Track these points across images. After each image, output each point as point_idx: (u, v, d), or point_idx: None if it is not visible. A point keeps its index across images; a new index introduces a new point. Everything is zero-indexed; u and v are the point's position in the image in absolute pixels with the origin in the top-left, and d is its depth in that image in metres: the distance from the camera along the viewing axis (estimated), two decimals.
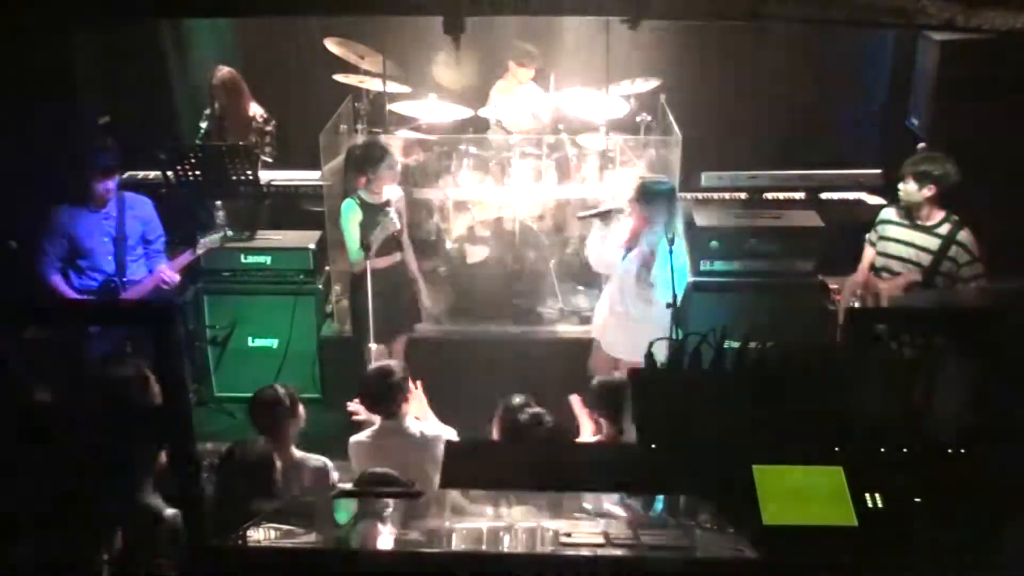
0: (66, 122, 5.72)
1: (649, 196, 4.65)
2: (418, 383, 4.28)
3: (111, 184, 4.93)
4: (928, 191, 4.50)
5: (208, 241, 5.30)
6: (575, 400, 4.36)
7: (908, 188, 4.56)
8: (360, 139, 6.24)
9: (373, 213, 5.11)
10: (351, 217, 5.11)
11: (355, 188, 5.19)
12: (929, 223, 4.58)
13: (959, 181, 4.52)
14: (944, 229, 4.54)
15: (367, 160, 5.12)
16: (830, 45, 7.03)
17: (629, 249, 4.76)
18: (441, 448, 3.88)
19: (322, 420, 4.96)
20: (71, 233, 4.91)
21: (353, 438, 4.20)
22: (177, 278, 5.11)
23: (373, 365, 4.29)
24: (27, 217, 5.04)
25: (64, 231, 4.90)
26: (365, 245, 5.00)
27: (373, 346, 5.33)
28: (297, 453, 3.97)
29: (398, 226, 5.15)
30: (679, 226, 4.70)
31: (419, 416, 4.28)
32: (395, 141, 6.11)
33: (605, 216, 4.92)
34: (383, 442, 4.09)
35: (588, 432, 4.31)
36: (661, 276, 4.58)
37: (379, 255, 5.12)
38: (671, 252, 4.54)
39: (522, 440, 3.77)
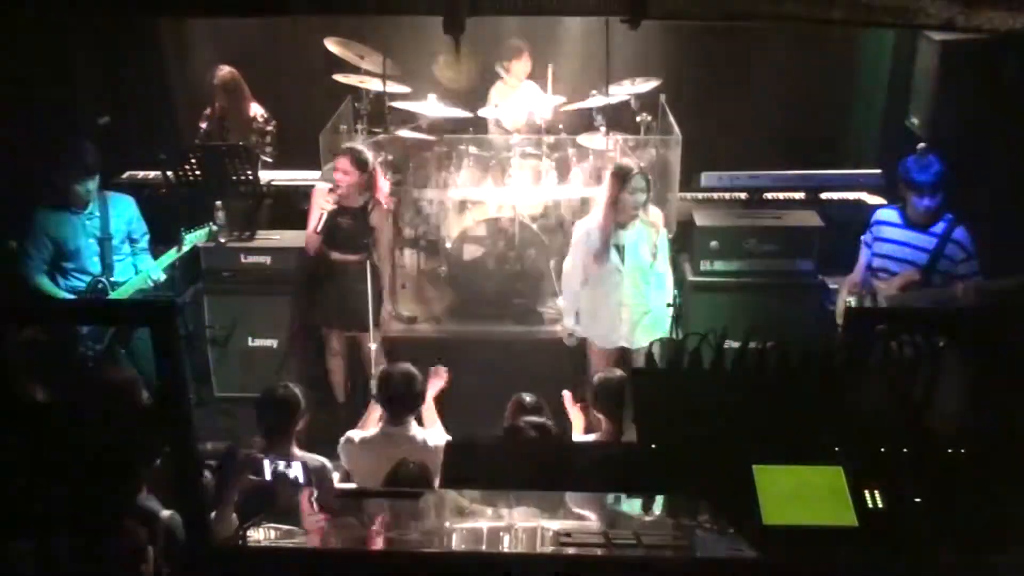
0: (54, 122, 5.72)
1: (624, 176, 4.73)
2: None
3: (92, 184, 4.90)
4: (940, 198, 4.50)
5: (193, 237, 5.20)
6: (567, 396, 4.37)
7: (926, 204, 4.51)
8: (360, 139, 6.24)
9: (335, 209, 5.21)
10: (315, 197, 5.28)
11: None
12: (926, 222, 4.58)
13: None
14: (940, 227, 4.54)
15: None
16: (830, 45, 7.03)
17: (617, 247, 4.77)
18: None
19: (322, 419, 4.96)
20: (55, 235, 4.85)
21: (348, 435, 4.17)
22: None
23: (398, 366, 4.25)
24: (20, 217, 5.02)
25: (48, 233, 4.84)
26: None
27: (373, 346, 5.35)
28: (299, 453, 3.97)
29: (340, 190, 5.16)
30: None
31: (426, 421, 4.26)
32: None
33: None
34: (384, 445, 4.05)
35: (579, 428, 4.31)
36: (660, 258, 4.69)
37: (341, 250, 5.25)
38: (668, 245, 4.58)
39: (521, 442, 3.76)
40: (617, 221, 4.78)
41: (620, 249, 4.80)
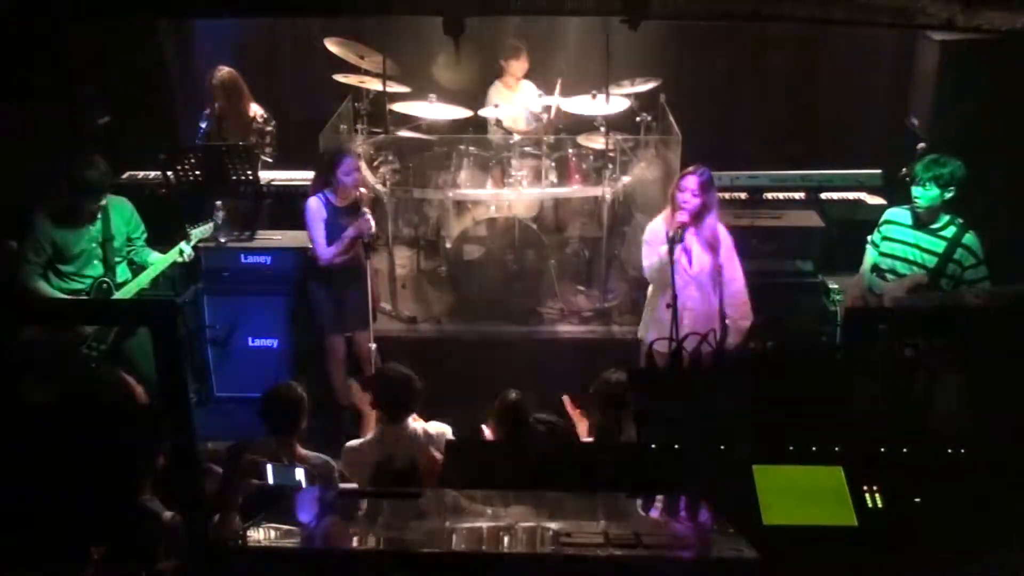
0: (54, 122, 5.71)
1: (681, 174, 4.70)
2: None
3: (103, 201, 4.85)
4: (948, 194, 4.46)
5: (199, 231, 5.24)
6: (567, 400, 4.36)
7: (930, 194, 4.47)
8: (360, 139, 6.25)
9: (336, 215, 5.19)
10: (315, 215, 5.19)
11: (320, 189, 5.24)
12: (935, 225, 4.55)
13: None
14: (949, 231, 4.50)
15: (326, 165, 5.19)
16: (830, 45, 7.04)
17: (685, 248, 4.68)
18: (443, 444, 3.91)
19: (325, 423, 4.94)
20: (57, 241, 4.81)
21: (348, 445, 4.16)
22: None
23: (393, 367, 4.25)
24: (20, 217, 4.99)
25: (50, 239, 4.79)
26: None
27: (373, 345, 5.34)
28: (303, 452, 3.97)
29: (373, 230, 5.21)
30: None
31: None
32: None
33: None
34: (383, 446, 4.05)
35: (583, 431, 4.31)
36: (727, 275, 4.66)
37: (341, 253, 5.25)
38: (671, 251, 4.53)
39: (524, 440, 3.76)
40: (677, 220, 4.64)
41: (673, 248, 4.58)
